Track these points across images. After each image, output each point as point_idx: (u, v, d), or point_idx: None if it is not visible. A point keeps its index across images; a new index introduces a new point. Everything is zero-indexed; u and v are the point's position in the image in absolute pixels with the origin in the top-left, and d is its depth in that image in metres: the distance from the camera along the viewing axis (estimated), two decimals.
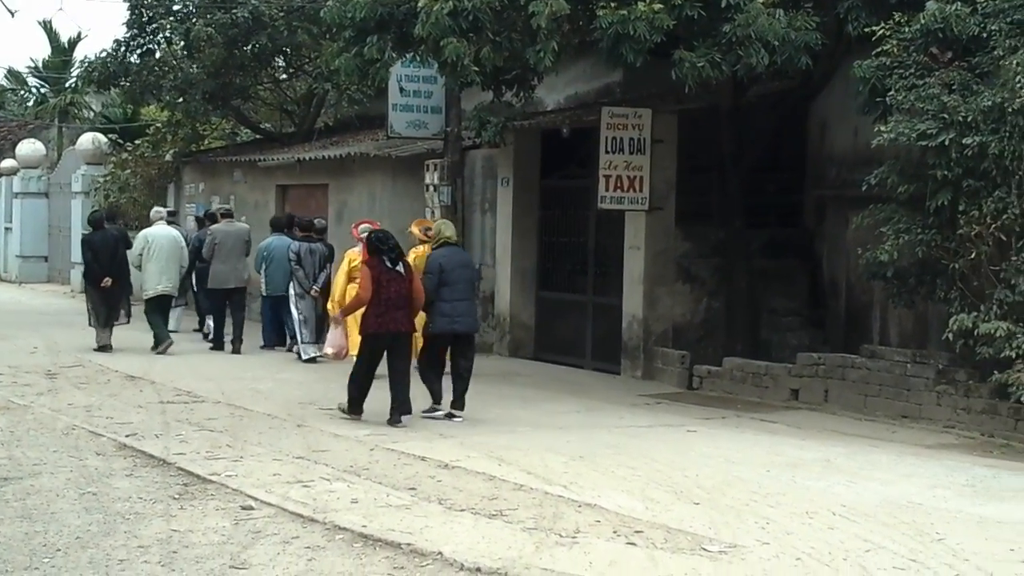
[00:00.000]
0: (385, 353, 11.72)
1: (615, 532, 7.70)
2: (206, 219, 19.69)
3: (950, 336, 11.89)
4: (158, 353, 16.67)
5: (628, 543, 7.47)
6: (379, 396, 11.79)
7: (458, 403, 12.08)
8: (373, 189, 20.27)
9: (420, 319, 12.26)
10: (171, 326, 18.10)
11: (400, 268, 11.58)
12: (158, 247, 17.18)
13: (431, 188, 18.41)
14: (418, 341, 12.35)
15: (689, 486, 9.10)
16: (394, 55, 14.73)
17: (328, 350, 12.84)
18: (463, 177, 18.63)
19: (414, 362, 12.28)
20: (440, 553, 7.14)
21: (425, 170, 18.57)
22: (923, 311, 13.65)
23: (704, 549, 7.33)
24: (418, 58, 15.23)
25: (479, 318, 13.93)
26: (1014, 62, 11.50)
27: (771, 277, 16.00)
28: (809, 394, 13.66)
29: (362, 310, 11.72)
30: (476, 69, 13.48)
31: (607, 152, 15.43)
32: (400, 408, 11.59)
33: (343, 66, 14.68)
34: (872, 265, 12.84)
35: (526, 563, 6.97)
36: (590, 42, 13.61)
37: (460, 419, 11.95)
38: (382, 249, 11.57)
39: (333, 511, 8.10)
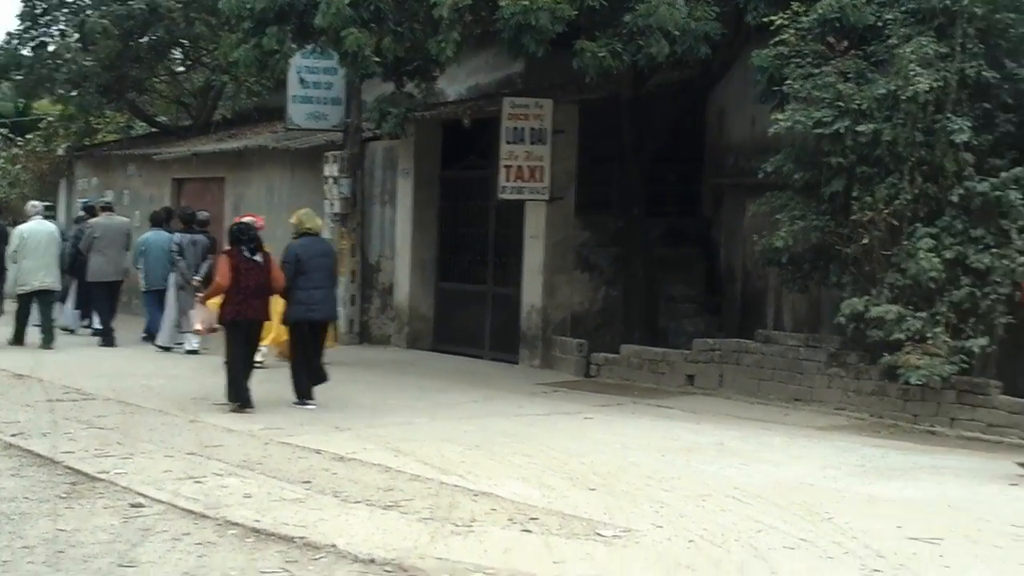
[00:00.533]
0: None
1: (510, 520, 7.66)
2: (85, 212, 19.39)
3: (842, 320, 12.06)
4: None
5: (523, 530, 7.43)
6: (271, 389, 11.64)
7: (317, 380, 12.15)
8: (271, 182, 20.05)
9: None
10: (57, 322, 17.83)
11: (258, 258, 11.79)
12: (35, 242, 16.84)
13: (331, 180, 18.24)
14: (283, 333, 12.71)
15: (585, 472, 9.10)
16: (294, 46, 14.57)
17: (197, 326, 12.96)
18: (363, 169, 18.50)
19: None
20: (334, 545, 7.04)
21: (324, 162, 18.39)
22: (816, 296, 13.83)
23: (598, 534, 7.32)
24: (318, 49, 15.08)
25: (337, 307, 13.91)
26: (908, 51, 11.68)
27: (669, 265, 16.11)
28: (705, 379, 13.77)
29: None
30: (377, 60, 13.38)
31: (508, 143, 15.40)
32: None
33: (242, 58, 14.47)
34: (767, 251, 12.97)
35: (421, 553, 6.90)
36: (492, 33, 13.56)
37: (313, 406, 11.95)
38: (241, 239, 11.80)
39: (225, 506, 7.94)
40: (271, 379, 11.76)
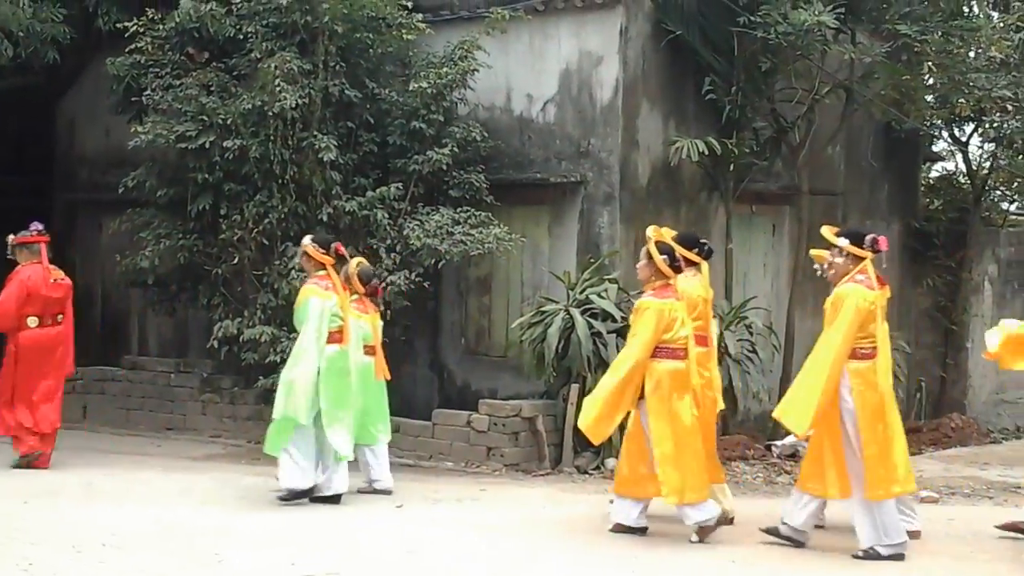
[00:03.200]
0: None
1: None
2: None
3: (215, 343, 11.66)
4: None
5: None
6: None
7: None
8: None
9: None
10: None
11: None
12: None
13: None
14: None
15: None
16: None
17: None
18: None
19: None
20: None
21: None
22: (184, 318, 13.29)
23: None
24: None
25: None
26: (271, 65, 11.46)
27: None
28: (67, 412, 12.53)
29: None
30: None
31: None
32: None
33: None
34: (130, 272, 12.37)
35: None
36: None
37: None
38: None
39: None
40: None
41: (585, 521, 8.55)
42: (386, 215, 11.61)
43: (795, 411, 7.53)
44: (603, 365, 10.97)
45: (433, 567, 7.14)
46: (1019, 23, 13.65)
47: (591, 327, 11.02)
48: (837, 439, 7.55)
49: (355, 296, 9.35)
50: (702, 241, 8.70)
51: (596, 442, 8.35)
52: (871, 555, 7.49)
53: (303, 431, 8.72)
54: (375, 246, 11.58)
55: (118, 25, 12.45)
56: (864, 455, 7.47)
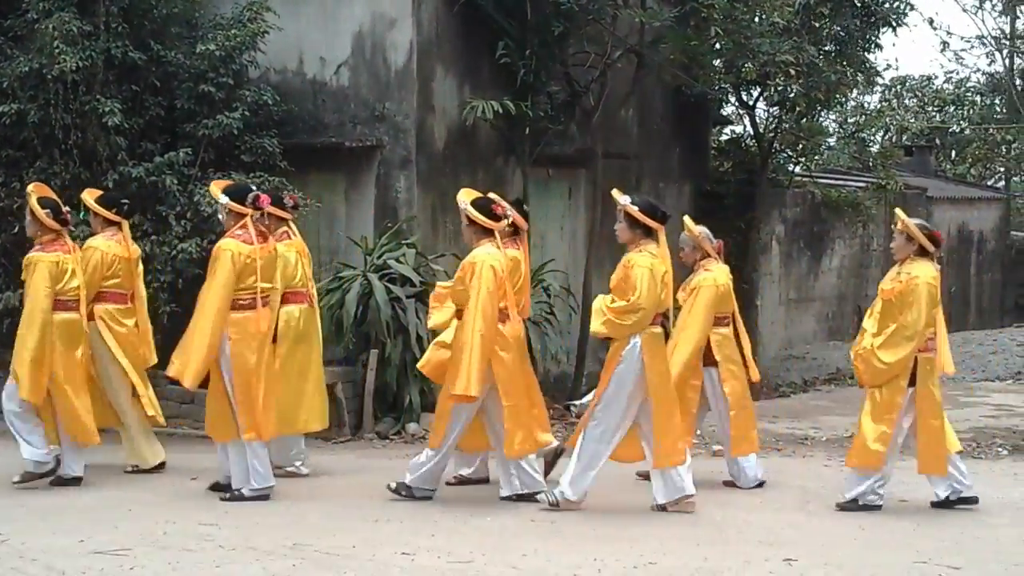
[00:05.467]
0: None
1: None
2: None
3: None
4: None
5: None
6: None
7: None
8: None
9: None
10: None
11: None
12: None
13: None
14: None
15: None
16: None
17: None
18: None
19: None
20: None
21: None
22: None
23: None
24: None
25: None
26: (50, 26, 10.96)
27: None
28: None
29: None
30: None
31: None
32: None
33: None
34: None
35: None
36: None
37: None
38: None
39: None
40: None
41: (383, 486, 8.50)
42: (175, 181, 11.25)
43: (184, 362, 7.93)
44: (402, 330, 10.98)
45: (227, 543, 6.97)
46: None
47: (390, 292, 10.96)
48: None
49: None
50: (123, 200, 9.37)
51: None
52: (236, 497, 8.01)
53: None
54: (164, 213, 11.23)
55: None
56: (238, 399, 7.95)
